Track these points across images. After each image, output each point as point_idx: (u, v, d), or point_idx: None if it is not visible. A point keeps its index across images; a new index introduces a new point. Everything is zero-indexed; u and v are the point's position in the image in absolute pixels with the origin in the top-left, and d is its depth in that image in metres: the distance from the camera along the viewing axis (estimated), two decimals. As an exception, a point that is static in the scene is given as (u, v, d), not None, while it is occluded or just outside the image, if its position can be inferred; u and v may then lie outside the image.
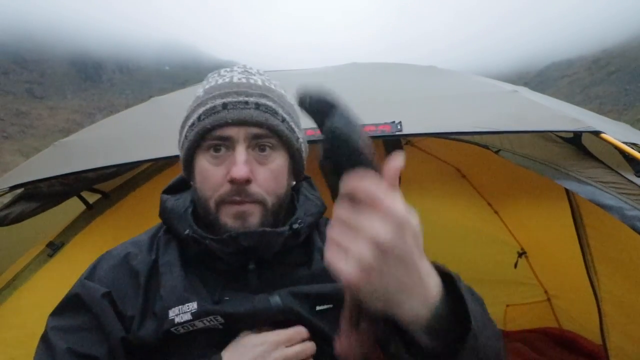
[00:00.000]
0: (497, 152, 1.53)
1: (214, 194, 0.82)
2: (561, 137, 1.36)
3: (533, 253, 2.81)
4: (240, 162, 0.80)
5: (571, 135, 1.33)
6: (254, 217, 0.83)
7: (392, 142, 2.78)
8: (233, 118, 0.80)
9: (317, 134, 1.41)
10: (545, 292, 2.83)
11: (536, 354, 2.38)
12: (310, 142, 1.28)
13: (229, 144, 0.82)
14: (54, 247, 1.59)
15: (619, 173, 1.21)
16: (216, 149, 0.83)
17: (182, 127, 0.88)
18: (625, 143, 1.25)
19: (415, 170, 2.85)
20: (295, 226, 0.89)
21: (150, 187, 1.76)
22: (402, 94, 1.65)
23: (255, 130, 0.82)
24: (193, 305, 0.83)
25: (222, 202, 0.82)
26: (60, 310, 0.85)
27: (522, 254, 2.82)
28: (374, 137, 1.29)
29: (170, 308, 0.82)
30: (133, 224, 1.58)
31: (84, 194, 1.69)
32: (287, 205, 0.92)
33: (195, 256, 0.88)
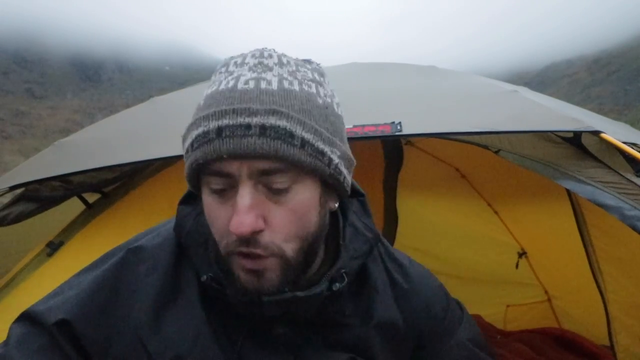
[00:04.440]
0: (497, 152, 1.53)
1: (221, 240, 0.65)
2: (561, 137, 1.36)
3: (533, 253, 2.81)
4: (243, 211, 0.59)
5: (571, 135, 1.33)
6: (272, 272, 0.64)
7: (392, 142, 2.79)
8: (229, 150, 0.58)
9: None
10: (546, 292, 2.82)
11: (536, 354, 2.38)
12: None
13: (231, 181, 0.61)
14: (53, 247, 1.59)
15: (619, 173, 1.21)
16: (216, 184, 0.63)
17: (183, 141, 0.66)
18: (625, 143, 1.25)
19: (415, 170, 2.85)
20: (337, 286, 0.70)
21: (150, 186, 1.76)
22: (402, 94, 1.64)
23: (262, 165, 0.60)
24: None
25: (230, 252, 0.64)
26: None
27: (522, 254, 2.81)
28: (374, 137, 1.29)
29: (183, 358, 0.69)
30: (132, 223, 1.58)
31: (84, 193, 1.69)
32: (327, 241, 0.74)
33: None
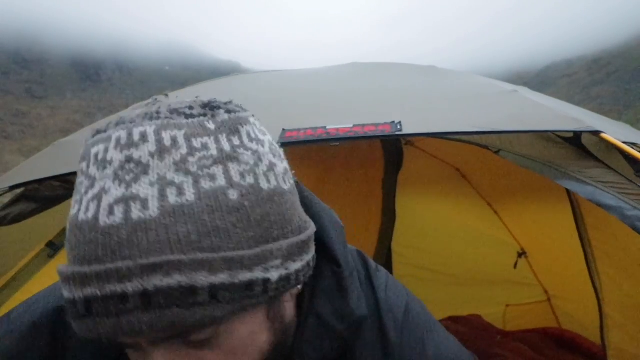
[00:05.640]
0: (497, 152, 1.53)
1: None
2: (561, 137, 1.36)
3: (533, 253, 2.81)
4: None
5: (571, 135, 1.33)
6: None
7: (392, 142, 2.79)
8: (107, 333, 0.42)
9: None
10: (546, 292, 2.83)
11: (536, 354, 2.38)
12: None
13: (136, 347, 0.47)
14: (54, 247, 1.59)
15: (619, 173, 1.21)
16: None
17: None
18: (625, 143, 1.25)
19: (415, 170, 2.85)
20: None
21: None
22: (402, 94, 1.64)
23: (162, 334, 0.44)
24: None
25: None
26: None
27: (522, 254, 2.82)
28: (374, 137, 1.29)
29: None
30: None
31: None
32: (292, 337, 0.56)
33: None
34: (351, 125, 1.28)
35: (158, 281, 0.40)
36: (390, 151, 2.85)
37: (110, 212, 0.41)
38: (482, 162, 2.43)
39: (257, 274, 0.44)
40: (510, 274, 2.81)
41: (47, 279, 1.58)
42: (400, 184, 2.89)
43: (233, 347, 0.47)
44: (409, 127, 1.27)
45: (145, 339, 0.44)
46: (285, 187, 0.50)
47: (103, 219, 0.41)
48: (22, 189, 1.53)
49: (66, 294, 0.43)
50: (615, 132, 1.33)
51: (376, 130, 1.27)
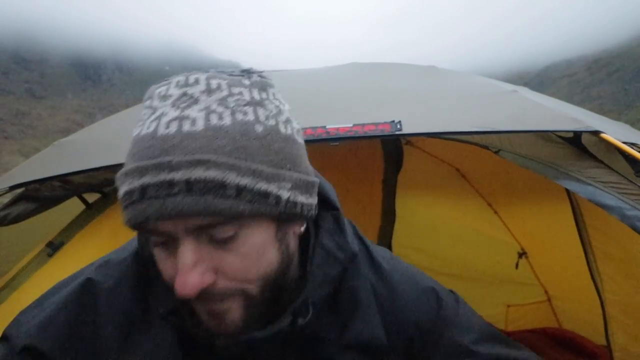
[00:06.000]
0: (497, 152, 1.53)
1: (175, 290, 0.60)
2: (561, 137, 1.36)
3: (533, 253, 2.81)
4: (185, 270, 0.56)
5: (571, 135, 1.33)
6: (234, 313, 0.61)
7: (392, 142, 2.79)
8: (154, 214, 0.54)
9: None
10: (546, 292, 2.82)
11: (536, 354, 2.38)
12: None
13: (169, 238, 0.58)
14: (53, 247, 1.59)
15: (619, 173, 1.21)
16: (157, 239, 0.59)
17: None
18: (625, 143, 1.25)
19: (415, 170, 2.85)
20: (301, 321, 0.64)
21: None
22: (402, 94, 1.64)
23: (197, 221, 0.55)
24: None
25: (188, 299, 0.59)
26: None
27: (522, 254, 2.81)
28: (374, 137, 1.29)
29: None
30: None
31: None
32: (296, 272, 0.69)
33: None
34: (351, 125, 1.28)
35: (199, 173, 0.53)
36: (390, 151, 2.85)
37: (167, 126, 0.55)
38: (482, 162, 2.43)
39: (272, 188, 0.58)
40: (511, 274, 2.81)
41: (47, 278, 1.57)
42: (400, 184, 2.88)
43: (247, 251, 0.59)
44: (409, 127, 1.27)
45: (181, 226, 0.55)
46: (299, 140, 0.64)
47: (161, 131, 0.55)
48: (22, 189, 1.53)
49: (124, 188, 0.56)
50: (615, 132, 1.33)
51: (376, 130, 1.28)
